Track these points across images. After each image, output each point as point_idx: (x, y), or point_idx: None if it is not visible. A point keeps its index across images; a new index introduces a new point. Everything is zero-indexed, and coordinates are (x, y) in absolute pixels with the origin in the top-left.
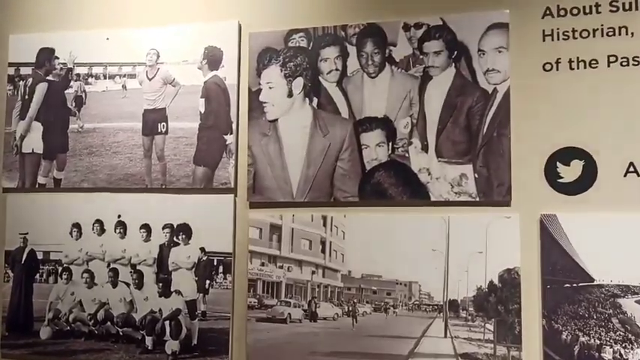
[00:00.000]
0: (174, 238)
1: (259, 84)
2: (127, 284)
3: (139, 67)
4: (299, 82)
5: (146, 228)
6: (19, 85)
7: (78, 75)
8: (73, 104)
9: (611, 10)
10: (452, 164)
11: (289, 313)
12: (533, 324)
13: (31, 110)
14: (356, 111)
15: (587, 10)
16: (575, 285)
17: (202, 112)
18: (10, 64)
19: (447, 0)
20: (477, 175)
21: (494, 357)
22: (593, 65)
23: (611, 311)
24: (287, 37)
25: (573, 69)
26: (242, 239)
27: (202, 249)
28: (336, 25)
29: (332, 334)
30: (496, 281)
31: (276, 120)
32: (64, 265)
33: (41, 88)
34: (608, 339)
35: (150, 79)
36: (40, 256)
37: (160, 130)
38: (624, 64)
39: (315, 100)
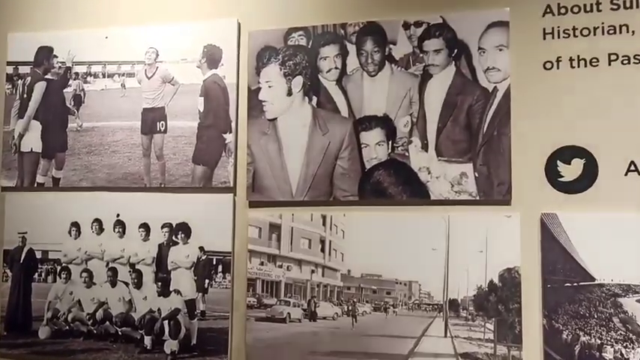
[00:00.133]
0: (174, 238)
1: (258, 82)
2: (126, 284)
3: (138, 65)
4: (298, 81)
5: (145, 227)
6: (18, 84)
7: (77, 74)
8: (72, 103)
9: (612, 9)
10: (452, 163)
11: (289, 313)
12: (534, 323)
13: (29, 109)
14: (356, 110)
15: (588, 8)
16: (575, 284)
17: (201, 110)
18: (9, 63)
19: None
20: (477, 174)
21: (495, 356)
22: (593, 64)
23: (612, 310)
24: (286, 35)
25: (574, 67)
26: (241, 238)
27: (201, 248)
28: (336, 24)
29: (331, 334)
30: (496, 280)
31: (276, 119)
32: (63, 265)
33: (40, 87)
34: (609, 338)
35: (149, 78)
36: (38, 255)
37: (158, 129)
38: (625, 62)
39: (315, 98)
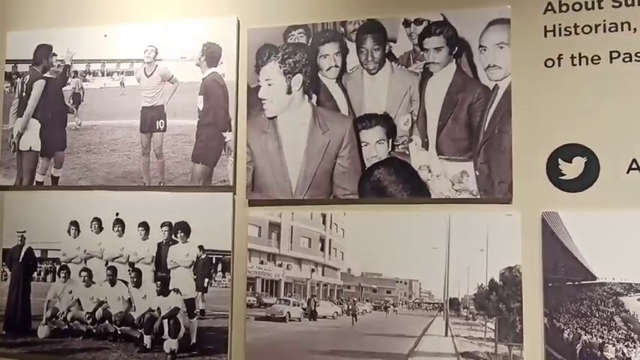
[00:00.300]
0: (173, 236)
1: (258, 81)
2: (126, 282)
3: (137, 63)
4: (298, 79)
5: (144, 226)
6: (17, 82)
7: (76, 72)
8: (71, 101)
9: (613, 6)
10: (452, 161)
11: (288, 312)
12: (535, 322)
13: (28, 107)
14: (356, 108)
15: (590, 6)
16: (577, 283)
17: (201, 109)
18: (8, 61)
19: None
20: (477, 173)
21: (496, 356)
22: (595, 61)
23: (613, 309)
24: (286, 33)
25: (575, 65)
26: (241, 237)
27: (201, 247)
28: (336, 22)
29: (331, 333)
30: (497, 279)
31: (275, 117)
32: (62, 264)
33: (39, 86)
34: (610, 337)
35: (148, 76)
36: (37, 254)
37: (158, 128)
38: (627, 59)
39: (315, 96)
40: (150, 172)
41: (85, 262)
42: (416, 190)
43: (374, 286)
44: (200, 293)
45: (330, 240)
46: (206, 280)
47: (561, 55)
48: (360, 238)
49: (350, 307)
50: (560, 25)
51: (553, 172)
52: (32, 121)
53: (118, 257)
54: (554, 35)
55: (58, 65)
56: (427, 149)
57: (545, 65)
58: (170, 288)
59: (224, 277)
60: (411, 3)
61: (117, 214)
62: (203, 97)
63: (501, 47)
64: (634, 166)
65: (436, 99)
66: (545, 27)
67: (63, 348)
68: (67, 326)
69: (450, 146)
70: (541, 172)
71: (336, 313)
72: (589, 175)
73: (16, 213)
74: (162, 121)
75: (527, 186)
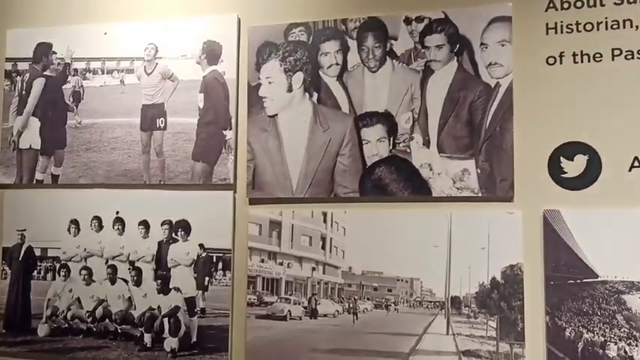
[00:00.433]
0: (173, 235)
1: (259, 79)
2: (126, 281)
3: (137, 61)
4: (299, 77)
5: (144, 224)
6: (17, 80)
7: (75, 70)
8: (71, 100)
9: (615, 3)
10: (454, 159)
11: (289, 310)
12: (537, 321)
13: (28, 106)
14: (356, 106)
15: (591, 3)
16: (579, 281)
17: (201, 107)
18: (8, 59)
19: None
20: (479, 171)
21: (497, 354)
22: (597, 59)
23: (615, 308)
24: (287, 31)
25: (577, 62)
26: (241, 235)
27: (201, 245)
28: (337, 19)
29: (332, 332)
30: (499, 277)
31: (276, 115)
32: (62, 262)
33: (39, 84)
34: (612, 335)
35: (148, 74)
36: (37, 252)
37: (158, 126)
38: (629, 57)
39: (315, 94)
40: (150, 170)
41: (85, 260)
42: (417, 188)
43: (375, 284)
44: (200, 292)
45: (330, 238)
46: (206, 278)
47: (563, 52)
48: (361, 237)
49: (351, 305)
50: (561, 22)
51: (555, 169)
52: (32, 119)
53: (118, 256)
54: (556, 33)
55: (58, 63)
56: (428, 147)
57: (547, 63)
58: (170, 286)
59: (224, 275)
60: (412, 1)
61: (117, 212)
62: (203, 95)
63: (503, 45)
64: (636, 163)
65: (437, 97)
66: (547, 24)
67: (63, 347)
68: (67, 325)
69: (452, 144)
70: (543, 169)
71: (337, 311)
72: (591, 173)
73: (16, 211)
74: (162, 119)
75: (528, 184)
